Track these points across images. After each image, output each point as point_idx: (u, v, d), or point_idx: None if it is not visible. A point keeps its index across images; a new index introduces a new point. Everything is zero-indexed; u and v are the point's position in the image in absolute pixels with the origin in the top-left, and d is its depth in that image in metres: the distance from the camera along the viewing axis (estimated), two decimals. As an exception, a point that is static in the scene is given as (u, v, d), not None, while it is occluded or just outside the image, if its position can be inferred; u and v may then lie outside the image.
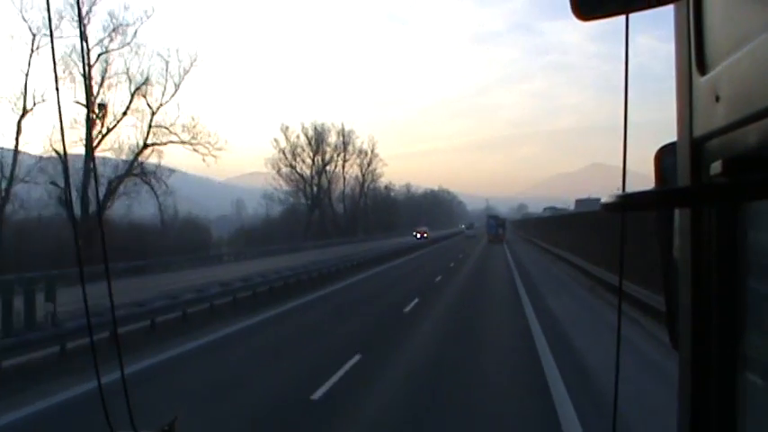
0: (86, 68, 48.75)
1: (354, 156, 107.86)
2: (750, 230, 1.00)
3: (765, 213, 0.96)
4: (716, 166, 0.90)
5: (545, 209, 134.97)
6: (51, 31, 3.28)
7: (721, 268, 1.01)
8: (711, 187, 0.92)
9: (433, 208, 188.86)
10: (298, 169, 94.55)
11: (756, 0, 0.85)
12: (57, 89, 1.73)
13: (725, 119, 0.92)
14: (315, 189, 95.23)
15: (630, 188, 0.90)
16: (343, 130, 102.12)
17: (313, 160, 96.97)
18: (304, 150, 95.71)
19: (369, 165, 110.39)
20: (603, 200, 0.80)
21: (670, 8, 1.09)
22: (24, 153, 43.28)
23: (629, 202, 0.82)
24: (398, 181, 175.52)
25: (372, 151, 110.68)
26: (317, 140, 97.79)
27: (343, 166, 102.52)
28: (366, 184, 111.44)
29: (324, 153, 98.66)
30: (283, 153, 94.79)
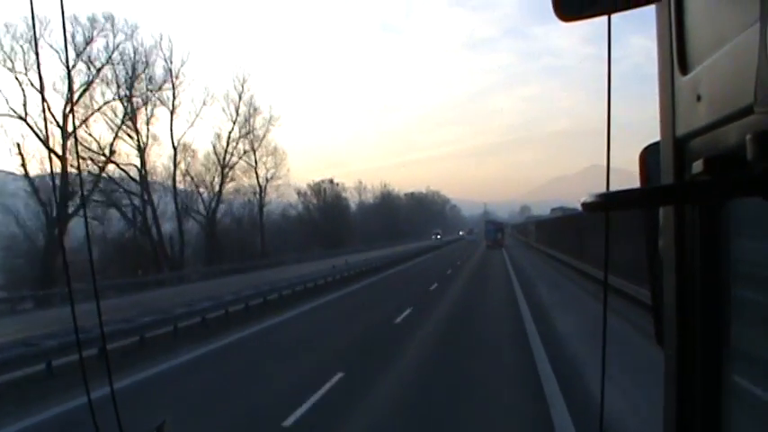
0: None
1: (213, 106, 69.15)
2: (732, 228, 1.00)
3: (747, 211, 0.97)
4: (698, 165, 0.91)
5: (553, 209, 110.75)
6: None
7: (705, 265, 1.02)
8: (692, 185, 0.93)
9: (415, 214, 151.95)
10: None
11: (735, 0, 0.86)
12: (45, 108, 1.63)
13: (706, 118, 0.93)
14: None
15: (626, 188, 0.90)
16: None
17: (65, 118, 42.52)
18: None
19: (253, 134, 62.60)
20: (584, 199, 0.80)
21: (653, 9, 1.10)
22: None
23: (610, 202, 0.83)
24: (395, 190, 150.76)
25: (252, 105, 62.63)
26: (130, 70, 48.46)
27: (171, 133, 54.27)
28: (228, 160, 60.73)
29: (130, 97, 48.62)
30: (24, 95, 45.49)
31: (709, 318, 1.03)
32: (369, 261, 47.21)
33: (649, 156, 1.20)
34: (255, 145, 64.79)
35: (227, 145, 61.07)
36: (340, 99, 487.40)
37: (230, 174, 61.79)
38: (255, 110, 63.80)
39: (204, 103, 60.02)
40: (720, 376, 1.03)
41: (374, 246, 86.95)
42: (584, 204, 0.79)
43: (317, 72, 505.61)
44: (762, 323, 0.98)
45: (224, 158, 60.78)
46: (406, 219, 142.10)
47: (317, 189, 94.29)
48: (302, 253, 67.47)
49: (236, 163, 62.08)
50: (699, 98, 0.95)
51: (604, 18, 1.12)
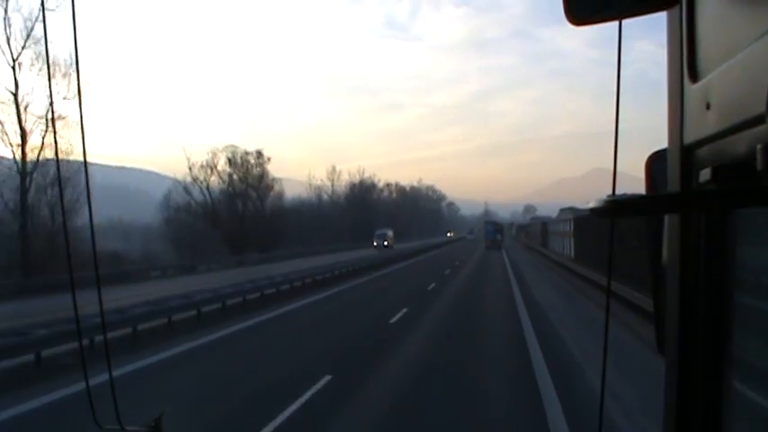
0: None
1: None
2: (738, 238, 1.00)
3: (753, 221, 0.96)
4: (705, 174, 0.91)
5: (562, 210, 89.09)
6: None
7: (709, 274, 1.02)
8: (700, 194, 0.93)
9: (401, 210, 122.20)
10: None
11: (748, 9, 0.86)
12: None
13: (715, 126, 0.92)
14: None
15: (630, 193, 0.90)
16: None
17: None
18: None
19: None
20: (591, 204, 0.80)
21: (663, 15, 1.10)
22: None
23: (617, 207, 0.83)
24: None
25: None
26: None
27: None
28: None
29: None
30: None
31: (712, 327, 1.02)
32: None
33: (655, 162, 1.20)
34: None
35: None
36: (342, 97, 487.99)
37: None
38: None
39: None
40: (722, 386, 1.02)
41: (294, 254, 57.91)
42: (592, 210, 0.80)
43: (317, 69, 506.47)
44: (765, 333, 0.98)
45: None
46: (388, 216, 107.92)
47: (235, 163, 63.66)
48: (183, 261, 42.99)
49: None
50: (708, 106, 0.94)
51: (612, 22, 1.12)
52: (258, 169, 66.34)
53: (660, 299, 1.16)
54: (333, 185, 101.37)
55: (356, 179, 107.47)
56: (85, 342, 13.32)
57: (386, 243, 75.82)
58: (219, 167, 63.87)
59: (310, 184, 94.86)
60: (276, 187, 70.33)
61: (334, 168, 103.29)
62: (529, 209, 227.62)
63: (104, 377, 1.60)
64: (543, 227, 76.55)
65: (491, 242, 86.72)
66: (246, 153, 65.18)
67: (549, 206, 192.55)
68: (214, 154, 63.05)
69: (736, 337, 1.01)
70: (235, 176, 64.03)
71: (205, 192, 62.47)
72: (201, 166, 62.32)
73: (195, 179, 61.38)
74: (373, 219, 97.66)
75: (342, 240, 76.02)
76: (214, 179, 63.37)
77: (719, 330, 1.02)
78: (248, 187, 65.20)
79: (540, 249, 67.04)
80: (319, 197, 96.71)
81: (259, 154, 65.66)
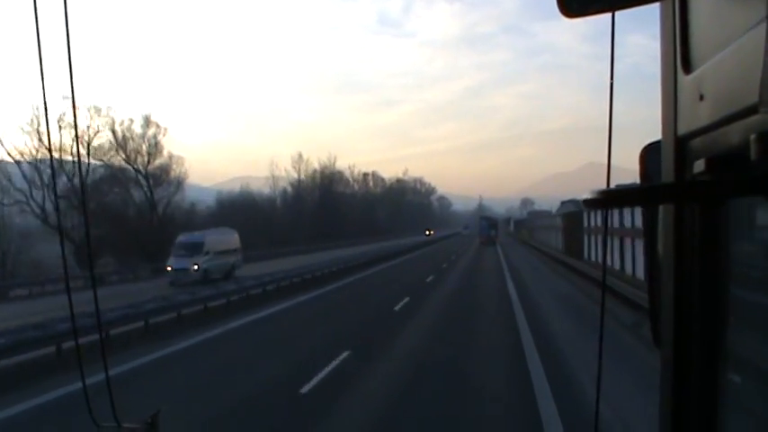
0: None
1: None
2: (732, 228, 1.00)
3: (748, 211, 0.96)
4: (699, 164, 0.91)
5: (563, 202, 77.74)
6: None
7: (704, 265, 1.02)
8: (692, 184, 0.93)
9: (382, 206, 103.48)
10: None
11: (740, 0, 0.86)
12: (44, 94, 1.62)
13: (708, 117, 0.92)
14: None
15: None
16: None
17: None
18: None
19: None
20: (584, 196, 0.80)
21: (656, 7, 1.10)
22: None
23: (610, 199, 0.83)
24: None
25: None
26: None
27: None
28: None
29: None
30: None
31: (707, 319, 1.02)
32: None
33: (649, 154, 1.20)
34: None
35: None
36: (334, 94, 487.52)
37: None
38: None
39: None
40: (717, 378, 1.02)
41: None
42: (585, 201, 0.79)
43: (310, 67, 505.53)
44: (760, 325, 0.98)
45: None
46: (363, 211, 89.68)
47: (123, 138, 41.65)
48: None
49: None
50: (702, 97, 0.94)
51: (605, 16, 1.12)
52: (147, 145, 43.86)
53: (655, 291, 1.16)
54: (299, 176, 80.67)
55: (327, 168, 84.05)
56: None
57: (195, 267, 34.93)
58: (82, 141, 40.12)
59: (272, 176, 75.81)
60: (176, 170, 46.30)
61: (300, 156, 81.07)
62: (526, 202, 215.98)
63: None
64: (569, 221, 47.12)
65: (485, 238, 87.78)
66: (124, 123, 39.46)
67: (544, 200, 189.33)
68: (35, 114, 38.29)
69: (731, 329, 1.01)
70: (83, 149, 40.70)
71: (30, 171, 40.88)
72: (26, 131, 38.81)
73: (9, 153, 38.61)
74: (347, 214, 79.11)
75: (294, 243, 55.24)
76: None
77: (714, 322, 1.02)
78: (133, 168, 42.99)
79: (560, 258, 40.69)
80: (282, 191, 77.02)
81: (147, 121, 42.84)
